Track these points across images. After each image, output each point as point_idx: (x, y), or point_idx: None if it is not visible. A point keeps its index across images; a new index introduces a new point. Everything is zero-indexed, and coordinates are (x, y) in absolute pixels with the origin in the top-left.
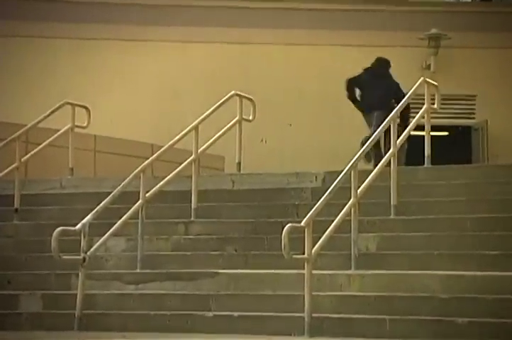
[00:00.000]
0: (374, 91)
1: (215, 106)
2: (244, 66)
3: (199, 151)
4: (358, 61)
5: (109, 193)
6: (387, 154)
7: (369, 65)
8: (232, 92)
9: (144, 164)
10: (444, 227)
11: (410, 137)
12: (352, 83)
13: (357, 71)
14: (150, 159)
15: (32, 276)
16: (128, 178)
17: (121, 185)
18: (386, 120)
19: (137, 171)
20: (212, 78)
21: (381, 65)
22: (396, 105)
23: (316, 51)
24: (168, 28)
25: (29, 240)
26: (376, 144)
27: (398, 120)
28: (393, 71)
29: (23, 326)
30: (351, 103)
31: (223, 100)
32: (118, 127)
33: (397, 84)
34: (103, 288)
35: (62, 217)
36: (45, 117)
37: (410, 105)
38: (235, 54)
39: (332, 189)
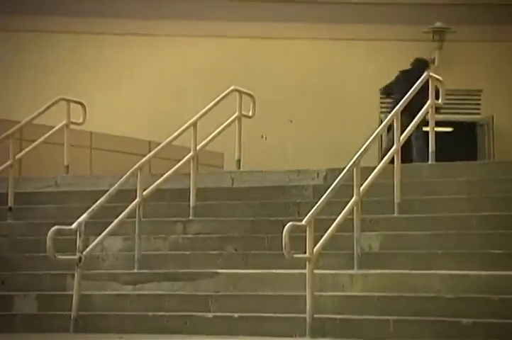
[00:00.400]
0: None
1: (214, 102)
2: (244, 61)
3: (198, 148)
4: (360, 55)
5: (105, 191)
6: (390, 151)
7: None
8: (232, 87)
9: (141, 162)
10: (448, 225)
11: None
12: (387, 90)
13: (357, 66)
14: (148, 156)
15: (26, 276)
16: (124, 176)
17: (118, 183)
18: (389, 117)
19: (134, 168)
20: (211, 73)
21: (419, 67)
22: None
23: (317, 45)
24: (167, 23)
25: (23, 239)
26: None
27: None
28: (396, 65)
29: (17, 328)
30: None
31: (222, 95)
32: (115, 124)
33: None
34: (99, 289)
35: (57, 216)
36: (40, 114)
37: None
38: (235, 48)
39: (334, 187)
